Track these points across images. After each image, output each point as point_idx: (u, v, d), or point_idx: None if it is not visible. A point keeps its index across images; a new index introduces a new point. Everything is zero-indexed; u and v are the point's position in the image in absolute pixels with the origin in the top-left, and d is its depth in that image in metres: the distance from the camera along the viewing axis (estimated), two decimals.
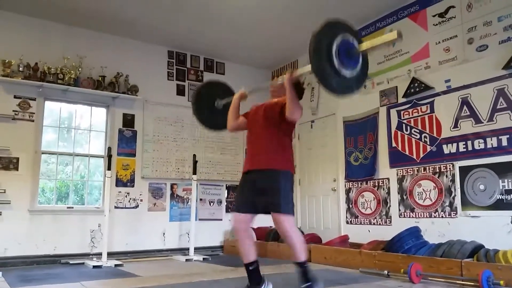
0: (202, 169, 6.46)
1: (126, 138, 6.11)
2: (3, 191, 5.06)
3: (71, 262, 5.22)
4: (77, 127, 6.03)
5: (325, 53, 2.50)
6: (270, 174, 2.87)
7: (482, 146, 4.33)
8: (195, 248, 5.88)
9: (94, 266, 4.91)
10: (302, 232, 6.06)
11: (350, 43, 2.62)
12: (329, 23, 2.61)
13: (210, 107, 3.59)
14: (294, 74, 2.90)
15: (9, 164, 5.23)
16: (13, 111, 5.34)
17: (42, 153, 5.55)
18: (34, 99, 5.49)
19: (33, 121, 5.46)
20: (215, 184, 6.75)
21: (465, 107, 4.54)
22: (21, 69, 5.33)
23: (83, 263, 5.17)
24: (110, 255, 5.34)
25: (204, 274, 4.37)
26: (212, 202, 6.71)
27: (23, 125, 5.38)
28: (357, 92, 2.79)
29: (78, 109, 5.98)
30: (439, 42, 4.89)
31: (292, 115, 2.87)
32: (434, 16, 4.96)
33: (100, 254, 5.22)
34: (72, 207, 5.68)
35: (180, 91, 6.71)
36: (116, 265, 5.04)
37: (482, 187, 4.30)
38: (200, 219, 6.41)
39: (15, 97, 5.38)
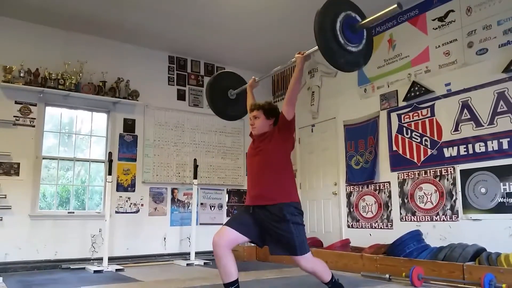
0: (202, 173, 6.47)
1: (126, 143, 6.12)
2: (4, 196, 5.07)
3: (72, 267, 5.21)
4: (77, 132, 6.03)
5: (330, 31, 2.54)
6: (277, 217, 2.66)
7: (483, 149, 4.34)
8: (196, 253, 5.87)
9: (95, 271, 4.90)
10: None
11: (353, 18, 2.64)
12: (331, 1, 2.64)
13: (224, 98, 3.62)
14: (305, 53, 2.96)
15: (10, 169, 5.23)
16: (14, 116, 5.35)
17: (43, 158, 5.56)
18: (35, 105, 5.50)
19: (34, 126, 5.47)
20: (215, 188, 6.75)
21: (465, 111, 4.54)
22: (22, 74, 5.35)
23: (84, 268, 5.17)
24: (111, 260, 5.33)
25: (205, 279, 4.36)
26: (213, 206, 6.70)
27: (24, 131, 5.40)
28: (364, 66, 2.88)
29: (78, 114, 5.99)
30: (439, 46, 4.90)
31: (289, 102, 2.90)
32: (433, 20, 4.98)
33: (101, 259, 5.21)
34: (73, 212, 5.68)
35: (181, 96, 6.73)
36: (117, 270, 5.03)
37: (483, 190, 4.30)
38: (201, 224, 6.40)
39: (16, 102, 5.39)
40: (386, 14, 2.60)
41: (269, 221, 2.68)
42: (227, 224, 2.77)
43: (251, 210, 2.78)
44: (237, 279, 2.64)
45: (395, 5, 2.46)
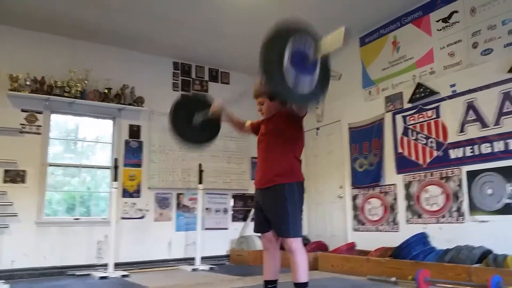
0: (208, 178, 6.46)
1: (132, 149, 6.14)
2: (10, 203, 5.11)
3: (78, 273, 5.23)
4: (83, 139, 6.07)
5: (277, 69, 2.23)
6: (274, 194, 2.75)
7: (489, 150, 4.29)
8: (202, 258, 5.86)
9: (100, 277, 4.91)
10: (309, 240, 6.02)
11: (303, 50, 2.34)
12: (277, 31, 2.36)
13: (188, 123, 3.19)
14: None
15: (16, 177, 5.27)
16: (21, 124, 5.40)
17: (49, 165, 5.59)
18: (41, 112, 5.55)
19: (40, 134, 5.51)
20: (221, 193, 6.74)
21: (471, 111, 4.50)
22: (28, 83, 5.40)
23: (89, 275, 5.18)
24: (117, 266, 5.33)
25: (211, 284, 4.35)
26: (218, 211, 6.69)
27: (30, 138, 5.44)
28: (324, 96, 2.57)
29: (84, 121, 6.03)
30: (444, 47, 4.87)
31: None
32: (437, 21, 4.95)
33: (107, 265, 5.21)
34: (79, 219, 5.70)
35: None
36: (122, 276, 5.04)
37: (489, 191, 4.24)
38: (206, 229, 6.39)
39: (22, 110, 5.44)
40: (335, 40, 2.34)
41: (267, 201, 2.78)
42: (254, 230, 2.96)
43: (257, 194, 2.90)
44: (276, 280, 2.87)
45: (342, 28, 2.23)
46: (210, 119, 3.12)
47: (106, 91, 5.93)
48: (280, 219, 2.70)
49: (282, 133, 2.85)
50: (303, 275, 2.67)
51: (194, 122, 3.16)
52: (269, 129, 2.89)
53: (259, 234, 2.94)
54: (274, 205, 2.74)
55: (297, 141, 2.94)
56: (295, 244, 2.69)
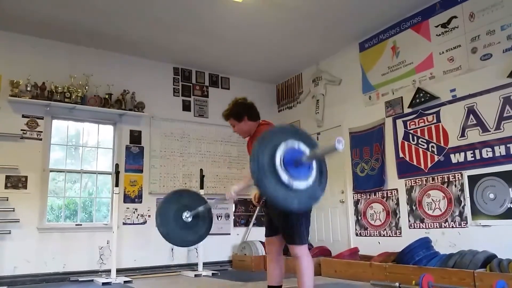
0: (209, 183, 6.46)
1: (133, 154, 6.14)
2: (12, 209, 5.09)
3: (80, 279, 5.21)
4: (84, 144, 6.07)
5: (270, 173, 2.11)
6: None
7: (490, 154, 4.32)
8: (204, 263, 5.85)
9: (103, 283, 4.89)
10: (311, 245, 6.02)
11: (296, 152, 2.23)
12: (266, 136, 2.26)
13: (178, 220, 3.09)
14: (235, 190, 2.88)
15: (18, 182, 5.26)
16: (21, 130, 5.40)
17: (50, 171, 5.59)
18: (42, 118, 5.55)
19: (41, 139, 5.51)
20: (222, 198, 6.74)
21: (471, 116, 4.53)
22: (28, 88, 5.40)
23: (92, 280, 5.16)
24: (119, 271, 5.32)
25: None
26: (220, 216, 6.69)
27: (31, 144, 5.43)
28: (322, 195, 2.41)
29: (85, 126, 6.03)
30: (443, 52, 4.90)
31: None
32: (437, 26, 4.99)
33: (109, 271, 5.20)
34: (81, 224, 5.69)
35: (186, 107, 6.76)
36: (125, 282, 5.02)
37: (492, 196, 4.27)
38: (208, 234, 6.36)
39: (23, 116, 5.44)
40: (329, 149, 2.23)
41: (273, 210, 2.87)
42: (265, 234, 3.05)
43: (265, 203, 3.01)
44: (280, 286, 2.94)
45: (334, 146, 2.10)
46: (202, 215, 3.05)
47: (106, 96, 5.93)
48: (285, 228, 2.79)
49: None
50: (307, 283, 2.72)
51: (185, 219, 3.08)
52: None
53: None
54: (279, 215, 2.81)
55: None
56: (300, 251, 2.75)
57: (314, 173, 2.31)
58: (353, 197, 5.91)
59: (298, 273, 2.76)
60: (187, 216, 3.10)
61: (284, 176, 2.13)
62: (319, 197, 2.36)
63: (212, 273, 5.64)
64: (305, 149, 2.28)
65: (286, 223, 2.77)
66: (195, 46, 6.11)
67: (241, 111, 3.02)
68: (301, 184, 2.19)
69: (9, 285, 4.72)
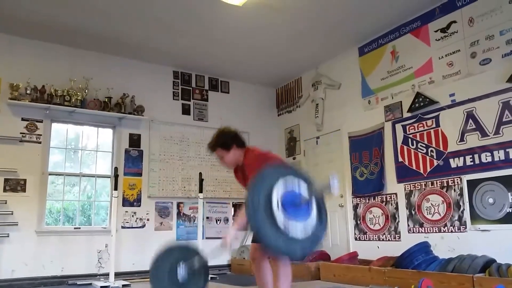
0: (208, 187, 6.46)
1: (132, 158, 6.14)
2: (10, 212, 5.08)
3: (78, 283, 5.19)
4: (83, 148, 6.07)
5: (268, 218, 2.03)
6: None
7: (489, 159, 4.32)
8: None
9: (101, 287, 4.87)
10: None
11: (293, 192, 2.17)
12: (260, 178, 2.18)
13: (172, 279, 2.87)
14: (231, 237, 2.79)
15: (17, 185, 5.25)
16: (21, 133, 5.40)
17: (49, 174, 5.58)
18: (41, 121, 5.55)
19: (40, 142, 5.50)
20: (221, 202, 6.74)
21: (470, 121, 4.54)
22: (28, 92, 5.40)
23: (90, 284, 5.14)
24: (118, 275, 5.30)
25: None
26: (218, 220, 6.68)
27: (31, 147, 5.43)
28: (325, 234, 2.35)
29: (84, 130, 6.03)
30: (442, 57, 4.92)
31: None
32: (436, 31, 5.00)
33: (108, 274, 5.18)
34: (79, 228, 5.67)
35: (186, 111, 6.76)
36: (123, 286, 5.00)
37: (491, 200, 4.26)
38: (207, 238, 6.37)
39: (22, 119, 5.44)
40: (326, 186, 2.21)
41: None
42: (252, 240, 3.01)
43: None
44: None
45: (328, 183, 2.08)
46: (198, 268, 2.87)
47: (106, 100, 5.93)
48: None
49: None
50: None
51: (181, 280, 2.83)
52: (249, 177, 2.83)
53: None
54: None
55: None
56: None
57: (313, 211, 2.26)
58: (352, 201, 5.91)
59: (277, 278, 2.76)
60: (182, 274, 2.86)
61: (283, 221, 2.04)
62: (321, 238, 2.28)
63: (211, 277, 5.62)
64: (302, 188, 2.22)
65: None
66: (194, 49, 6.12)
67: (228, 140, 2.88)
68: (301, 226, 2.11)
69: None
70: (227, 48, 6.07)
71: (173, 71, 6.74)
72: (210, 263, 6.35)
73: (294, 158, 7.12)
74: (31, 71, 5.52)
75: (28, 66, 5.55)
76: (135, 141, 6.21)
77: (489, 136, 4.35)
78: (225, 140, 2.88)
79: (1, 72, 5.37)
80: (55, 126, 5.76)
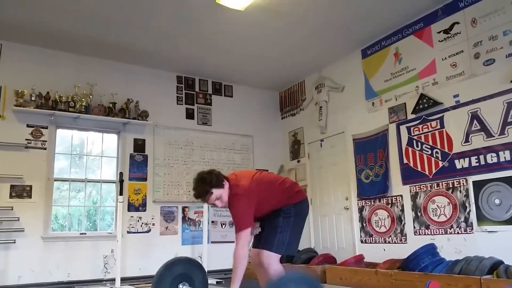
0: None
1: (137, 162, 6.16)
2: (16, 219, 5.10)
3: None
4: (88, 153, 6.09)
5: None
6: (274, 213, 2.91)
7: (494, 160, 4.30)
8: (208, 272, 5.80)
9: None
10: (316, 253, 5.99)
11: None
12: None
13: None
14: None
15: (23, 192, 5.28)
16: (26, 139, 5.43)
17: (55, 180, 5.61)
18: (46, 127, 5.58)
19: (45, 149, 5.53)
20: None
21: (475, 122, 4.52)
22: (33, 98, 5.43)
23: None
24: (124, 280, 5.31)
25: None
26: (224, 224, 6.68)
27: (36, 153, 5.46)
28: None
29: (89, 135, 6.06)
30: (446, 58, 4.91)
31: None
32: (439, 32, 4.99)
33: (114, 279, 5.19)
34: (85, 233, 5.69)
35: (190, 115, 6.78)
36: None
37: (497, 201, 4.24)
38: (212, 242, 6.37)
39: (27, 126, 5.47)
40: None
41: (267, 218, 2.90)
42: (253, 245, 3.07)
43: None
44: None
45: None
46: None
47: (110, 105, 5.96)
48: (270, 234, 2.83)
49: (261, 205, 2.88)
50: None
51: None
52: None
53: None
54: (272, 220, 2.86)
55: (272, 192, 2.93)
56: (270, 259, 2.76)
57: None
58: (358, 204, 5.89)
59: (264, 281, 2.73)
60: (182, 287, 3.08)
61: None
62: None
63: (217, 281, 5.62)
64: None
65: (272, 231, 2.82)
66: (198, 54, 6.14)
67: (219, 178, 2.79)
68: None
69: None
70: (229, 52, 6.09)
71: (176, 76, 6.77)
72: (216, 267, 6.38)
73: (298, 161, 7.12)
74: (35, 78, 5.55)
75: (33, 73, 5.58)
76: (139, 146, 6.23)
77: (494, 136, 4.33)
78: (217, 178, 2.78)
79: (6, 79, 5.41)
80: (60, 132, 5.79)
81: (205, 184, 2.75)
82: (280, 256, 2.83)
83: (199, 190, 2.77)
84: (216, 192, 2.78)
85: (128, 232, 5.85)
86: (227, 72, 6.84)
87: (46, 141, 5.55)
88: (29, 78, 5.50)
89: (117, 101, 6.02)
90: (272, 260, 2.76)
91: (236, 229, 2.73)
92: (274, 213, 2.89)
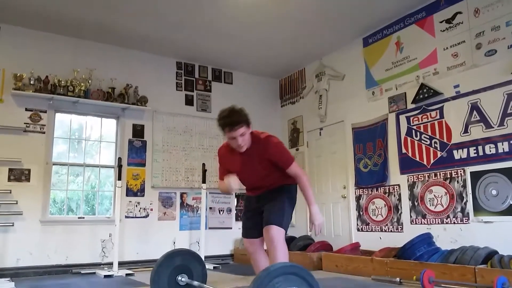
0: (211, 177, 6.47)
1: (136, 148, 6.16)
2: (15, 202, 5.11)
3: (82, 272, 5.24)
4: (87, 138, 6.09)
5: None
6: (278, 189, 2.84)
7: (493, 151, 4.30)
8: (206, 257, 5.86)
9: (105, 276, 4.92)
10: (313, 240, 6.03)
11: None
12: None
13: (172, 285, 3.08)
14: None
15: (21, 175, 5.29)
16: (25, 123, 5.41)
17: (53, 164, 5.61)
18: (45, 111, 5.56)
19: (44, 133, 5.52)
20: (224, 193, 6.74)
21: (475, 112, 4.52)
22: (32, 82, 5.41)
23: (94, 273, 5.20)
24: (121, 264, 5.36)
25: (215, 283, 4.35)
26: (221, 210, 6.71)
27: (34, 137, 5.45)
28: None
29: (88, 120, 6.05)
30: (447, 48, 4.88)
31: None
32: (441, 22, 4.96)
33: (111, 263, 5.24)
34: (83, 217, 5.71)
35: (189, 101, 6.76)
36: (127, 275, 5.06)
37: (494, 192, 4.26)
38: (210, 228, 6.42)
39: (26, 109, 5.46)
40: None
41: (268, 195, 2.82)
42: (243, 235, 2.99)
43: (253, 199, 2.93)
44: None
45: None
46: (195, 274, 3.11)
47: (110, 90, 5.94)
48: (274, 211, 2.73)
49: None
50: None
51: (180, 283, 3.10)
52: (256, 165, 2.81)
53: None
54: (276, 197, 2.79)
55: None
56: (279, 234, 2.66)
57: None
58: (355, 193, 5.91)
59: (271, 259, 2.65)
60: (181, 279, 3.11)
61: None
62: None
63: (214, 267, 5.67)
64: None
65: (279, 206, 2.75)
66: (198, 40, 6.10)
67: (248, 117, 2.66)
68: None
69: (13, 277, 4.75)
70: (230, 38, 6.05)
71: (176, 61, 6.73)
72: (213, 253, 6.43)
73: (297, 150, 7.12)
74: (34, 61, 5.52)
75: (31, 56, 5.55)
76: (138, 131, 6.23)
77: (493, 127, 4.33)
78: (247, 116, 2.67)
79: (4, 63, 5.38)
80: (59, 117, 5.78)
81: (240, 115, 2.62)
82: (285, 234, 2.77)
83: (234, 117, 2.60)
84: (243, 128, 2.63)
85: (126, 217, 5.88)
86: (227, 58, 6.80)
87: (44, 125, 5.54)
88: (28, 62, 5.47)
89: (116, 86, 6.00)
90: (281, 237, 2.67)
91: (292, 165, 2.74)
92: (278, 190, 2.81)
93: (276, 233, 2.64)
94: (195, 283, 3.10)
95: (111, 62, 6.12)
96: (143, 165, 6.17)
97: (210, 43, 6.21)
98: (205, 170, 6.09)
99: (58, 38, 5.78)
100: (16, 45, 5.50)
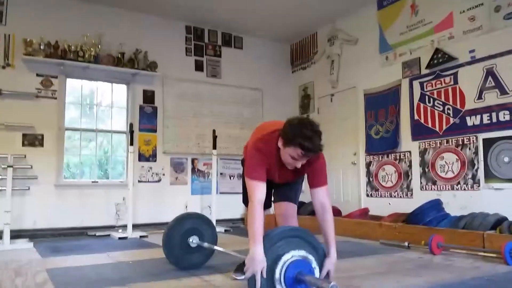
0: (221, 144, 6.49)
1: (147, 114, 6.18)
2: (29, 166, 5.19)
3: (97, 234, 5.39)
4: (99, 104, 6.11)
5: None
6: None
7: (507, 117, 4.24)
8: (217, 221, 5.98)
9: (119, 238, 5.07)
10: None
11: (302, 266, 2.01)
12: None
13: (183, 247, 3.19)
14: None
15: (35, 140, 5.36)
16: (36, 89, 5.44)
17: (66, 129, 5.67)
18: (56, 77, 5.57)
19: (55, 98, 5.56)
20: (234, 158, 6.79)
21: (490, 78, 4.42)
22: (42, 47, 5.38)
23: (109, 235, 5.35)
24: (135, 227, 5.50)
25: (224, 245, 4.44)
26: (232, 176, 6.79)
27: (46, 103, 5.49)
28: None
29: (99, 86, 6.05)
30: (464, 11, 4.73)
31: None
32: None
33: (125, 226, 5.38)
34: (97, 181, 5.82)
35: (199, 67, 6.71)
36: (141, 237, 5.20)
37: (506, 159, 4.22)
38: (221, 193, 6.51)
39: (37, 75, 5.47)
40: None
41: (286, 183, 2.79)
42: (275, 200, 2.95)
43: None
44: None
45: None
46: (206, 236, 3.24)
47: (119, 55, 5.90)
48: (292, 191, 2.85)
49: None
50: None
51: (191, 244, 3.22)
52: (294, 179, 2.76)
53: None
54: (291, 186, 2.83)
55: None
56: (295, 211, 2.83)
57: None
58: (366, 159, 5.91)
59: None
60: (192, 241, 3.22)
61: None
62: None
63: (225, 230, 5.80)
64: (313, 265, 2.07)
65: (295, 189, 2.86)
66: (207, 3, 5.97)
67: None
68: None
69: (31, 238, 4.91)
70: (240, 1, 5.91)
71: (185, 25, 6.63)
72: (225, 217, 6.53)
73: (307, 116, 7.09)
74: (43, 26, 5.48)
75: (41, 21, 5.51)
76: (149, 97, 6.23)
77: (508, 94, 4.25)
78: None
79: (14, 27, 5.35)
80: (70, 82, 5.79)
81: (321, 141, 2.26)
82: None
83: (320, 145, 2.27)
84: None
85: (139, 181, 5.98)
86: (237, 22, 6.67)
87: (56, 90, 5.56)
88: (37, 27, 5.43)
89: (125, 51, 5.96)
90: (295, 212, 2.82)
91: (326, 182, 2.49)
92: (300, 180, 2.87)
93: (294, 211, 2.77)
94: (206, 244, 3.22)
95: (120, 26, 6.06)
96: (155, 131, 6.21)
97: (220, 6, 6.07)
98: (216, 136, 6.11)
99: (67, 3, 5.71)
100: (25, 10, 5.45)
